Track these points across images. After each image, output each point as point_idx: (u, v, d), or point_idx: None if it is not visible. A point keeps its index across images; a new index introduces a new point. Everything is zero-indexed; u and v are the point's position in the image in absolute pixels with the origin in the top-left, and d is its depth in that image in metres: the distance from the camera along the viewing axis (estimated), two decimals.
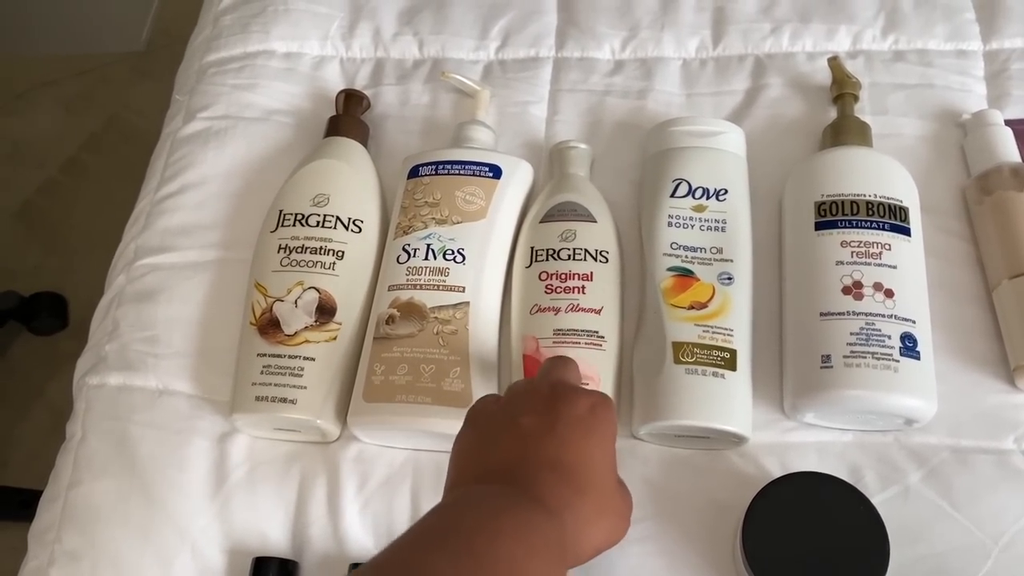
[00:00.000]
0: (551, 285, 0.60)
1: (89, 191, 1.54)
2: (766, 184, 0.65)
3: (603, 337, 0.59)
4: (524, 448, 0.45)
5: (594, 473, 0.45)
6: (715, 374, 0.55)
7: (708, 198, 0.61)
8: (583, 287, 0.60)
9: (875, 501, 0.54)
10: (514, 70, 0.74)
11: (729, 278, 0.59)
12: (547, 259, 0.61)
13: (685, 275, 0.59)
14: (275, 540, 0.58)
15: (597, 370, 0.57)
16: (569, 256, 0.61)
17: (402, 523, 0.57)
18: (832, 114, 0.67)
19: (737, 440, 0.56)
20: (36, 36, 1.67)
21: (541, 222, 0.63)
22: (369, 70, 0.76)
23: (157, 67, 1.64)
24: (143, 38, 1.69)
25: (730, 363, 0.56)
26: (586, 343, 0.58)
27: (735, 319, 0.57)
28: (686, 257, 0.59)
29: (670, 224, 0.61)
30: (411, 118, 0.72)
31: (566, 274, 0.60)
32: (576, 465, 0.45)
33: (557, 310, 0.59)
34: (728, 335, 0.57)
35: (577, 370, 0.52)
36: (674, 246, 0.60)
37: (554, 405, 0.46)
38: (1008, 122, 0.64)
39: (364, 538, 0.57)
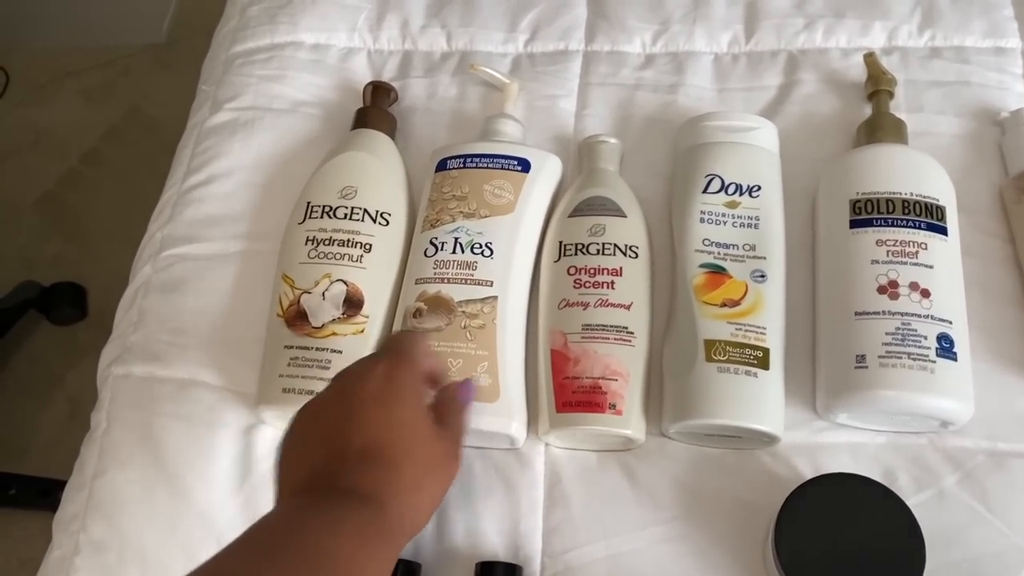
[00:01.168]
0: (579, 280, 0.60)
1: (110, 182, 1.54)
2: (799, 181, 0.64)
3: (632, 333, 0.58)
4: (327, 446, 0.44)
5: (404, 441, 0.45)
6: (748, 373, 0.54)
7: (741, 194, 0.60)
8: (612, 282, 0.59)
9: (909, 504, 0.53)
10: (543, 63, 0.73)
11: (762, 276, 0.58)
12: (576, 253, 0.61)
13: (717, 272, 0.58)
14: None
15: (627, 366, 0.57)
16: (598, 251, 0.60)
17: None
18: (866, 111, 0.66)
19: (769, 440, 0.56)
20: (58, 28, 1.67)
21: (570, 216, 0.62)
22: (397, 62, 0.75)
23: (178, 59, 1.64)
24: (164, 30, 1.69)
25: (763, 362, 0.55)
26: (615, 339, 0.58)
27: (768, 317, 0.57)
28: (718, 254, 0.59)
29: (702, 220, 0.60)
30: (439, 111, 0.72)
31: (595, 269, 0.60)
32: (383, 442, 0.44)
33: (586, 305, 0.59)
34: (761, 333, 0.56)
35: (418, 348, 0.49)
36: (706, 242, 0.59)
37: (343, 390, 0.46)
38: None
39: None
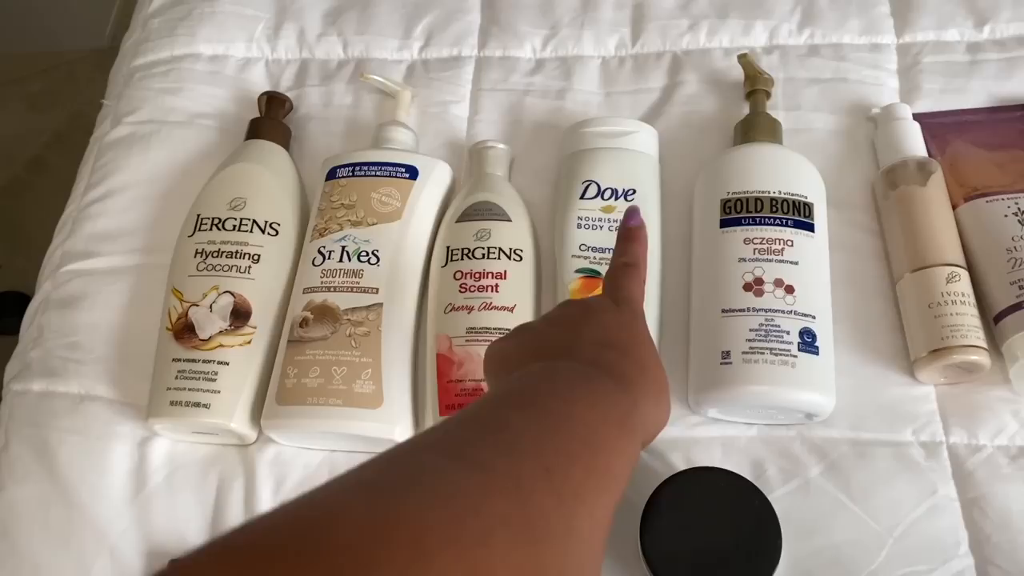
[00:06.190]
0: (465, 284, 0.61)
1: (54, 190, 1.52)
2: (681, 182, 0.65)
3: None
4: (575, 331, 0.44)
5: (646, 352, 0.45)
6: None
7: (616, 199, 0.62)
8: (496, 285, 0.61)
9: (776, 495, 0.55)
10: (436, 69, 0.74)
11: None
12: (462, 258, 0.62)
13: (593, 276, 0.59)
14: (193, 543, 0.58)
15: None
16: (483, 255, 0.62)
17: None
18: (746, 110, 0.67)
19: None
20: None
21: (457, 221, 0.64)
22: (294, 71, 0.76)
23: None
24: (107, 34, 1.68)
25: None
26: None
27: None
28: (594, 258, 0.60)
29: (579, 226, 0.61)
30: (334, 119, 0.73)
31: (480, 272, 0.61)
32: (629, 344, 0.44)
33: (470, 308, 0.60)
34: None
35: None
36: (583, 248, 0.60)
37: (577, 304, 0.47)
38: (917, 116, 0.65)
39: None
